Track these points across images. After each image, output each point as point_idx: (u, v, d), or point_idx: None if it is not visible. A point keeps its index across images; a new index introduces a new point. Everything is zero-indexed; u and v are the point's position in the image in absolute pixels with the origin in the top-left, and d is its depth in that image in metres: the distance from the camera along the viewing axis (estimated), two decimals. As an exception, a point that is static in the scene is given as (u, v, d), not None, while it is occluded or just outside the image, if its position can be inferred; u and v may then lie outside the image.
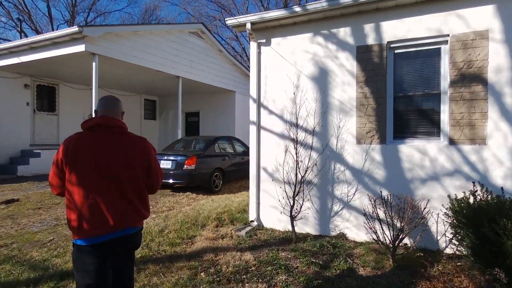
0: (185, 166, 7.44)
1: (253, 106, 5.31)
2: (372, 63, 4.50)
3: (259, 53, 5.29)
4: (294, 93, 4.94)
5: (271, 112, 5.20)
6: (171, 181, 7.54)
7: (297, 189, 4.50)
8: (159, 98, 15.93)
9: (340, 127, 4.69)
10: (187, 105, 14.65)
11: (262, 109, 5.28)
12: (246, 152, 9.59)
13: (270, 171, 5.20)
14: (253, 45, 5.32)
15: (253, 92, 5.31)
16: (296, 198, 4.51)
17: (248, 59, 23.23)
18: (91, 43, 7.62)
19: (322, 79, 4.82)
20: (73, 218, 1.85)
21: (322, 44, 4.83)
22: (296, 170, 4.49)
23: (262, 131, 5.29)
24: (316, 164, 4.63)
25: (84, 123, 1.99)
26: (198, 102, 14.80)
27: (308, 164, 4.64)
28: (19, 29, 15.99)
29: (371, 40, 4.52)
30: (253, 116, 5.32)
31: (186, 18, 26.82)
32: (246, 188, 8.56)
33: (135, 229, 2.02)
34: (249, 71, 15.03)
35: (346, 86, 4.66)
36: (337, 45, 4.73)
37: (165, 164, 7.62)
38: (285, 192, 4.70)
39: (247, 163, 9.45)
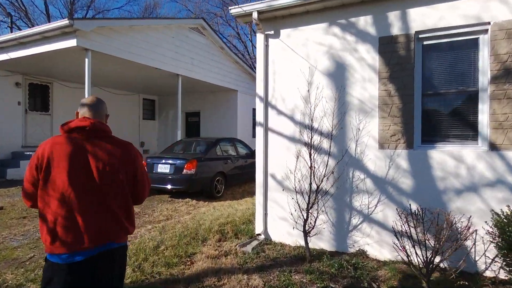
0: (184, 171, 6.88)
1: (259, 106, 4.75)
2: (397, 56, 3.93)
3: (266, 46, 4.72)
4: (308, 91, 4.38)
5: (280, 112, 4.64)
6: (169, 186, 6.99)
7: (311, 200, 3.94)
8: (159, 97, 15.38)
9: (360, 130, 4.12)
10: (187, 104, 14.10)
11: (270, 109, 4.72)
12: (249, 155, 9.04)
13: (279, 179, 4.64)
14: (259, 38, 4.76)
15: (259, 89, 4.75)
16: (311, 210, 3.94)
17: (251, 58, 22.69)
18: (83, 38, 7.06)
19: (339, 75, 4.25)
20: (45, 231, 1.64)
21: (339, 35, 4.26)
22: (311, 178, 3.92)
23: (270, 134, 4.72)
24: (333, 172, 4.06)
25: (64, 125, 1.76)
26: (199, 101, 14.24)
27: (323, 172, 4.07)
28: (10, 24, 15.41)
29: (396, 30, 3.95)
30: (259, 117, 4.76)
31: (187, 15, 26.26)
32: (250, 193, 8.00)
33: (119, 244, 1.78)
34: (252, 69, 14.50)
35: (367, 83, 4.09)
36: (357, 36, 4.16)
37: (163, 168, 7.07)
38: (297, 203, 4.14)
39: (250, 166, 8.94)
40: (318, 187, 3.88)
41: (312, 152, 3.95)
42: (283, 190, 4.54)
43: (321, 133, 4.24)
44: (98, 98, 1.95)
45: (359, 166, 4.13)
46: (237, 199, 7.35)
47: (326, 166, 4.06)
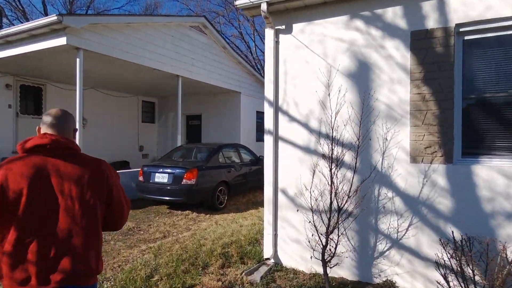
0: (184, 181, 6.29)
1: (269, 111, 4.16)
2: (434, 54, 3.32)
3: (276, 43, 4.13)
4: (325, 95, 3.78)
5: (292, 118, 4.04)
6: (167, 198, 6.40)
7: (332, 222, 3.33)
8: (158, 100, 14.80)
9: (387, 140, 3.52)
10: (188, 107, 13.51)
11: (280, 115, 4.13)
12: (253, 161, 8.44)
13: (291, 195, 4.04)
14: (269, 34, 4.17)
15: (269, 92, 4.15)
16: (331, 236, 3.33)
17: (254, 59, 22.12)
18: (74, 36, 6.49)
19: (362, 76, 3.65)
20: (1, 265, 1.40)
21: (362, 29, 3.66)
22: (331, 197, 3.31)
23: (280, 143, 4.13)
24: (357, 190, 3.45)
25: (23, 143, 1.51)
26: (200, 103, 13.66)
27: (345, 189, 3.46)
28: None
29: (432, 22, 3.35)
30: (268, 123, 4.16)
31: (188, 15, 25.71)
32: (255, 204, 7.41)
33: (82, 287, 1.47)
34: (256, 70, 13.90)
35: (396, 85, 3.49)
36: (384, 30, 3.56)
37: (161, 177, 6.48)
38: (314, 225, 3.53)
39: (255, 174, 8.38)
40: (340, 208, 3.27)
41: (332, 167, 3.34)
42: (297, 211, 3.94)
43: (341, 144, 3.64)
44: (63, 110, 1.70)
45: (387, 182, 3.53)
46: (241, 211, 6.75)
47: (351, 184, 3.43)
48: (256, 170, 8.37)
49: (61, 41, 6.41)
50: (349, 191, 3.31)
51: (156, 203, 7.15)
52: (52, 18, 6.01)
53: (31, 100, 10.08)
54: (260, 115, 14.52)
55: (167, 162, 7.08)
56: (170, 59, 9.09)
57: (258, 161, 8.68)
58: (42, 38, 6.61)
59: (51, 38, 6.52)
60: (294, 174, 4.02)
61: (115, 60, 7.69)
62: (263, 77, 14.31)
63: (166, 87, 11.56)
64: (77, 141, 6.60)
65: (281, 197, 4.12)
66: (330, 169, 3.33)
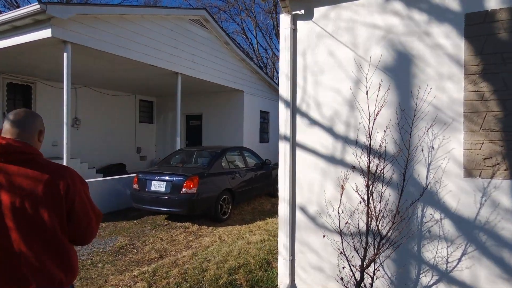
0: (183, 190, 5.62)
1: (284, 113, 3.49)
2: (496, 42, 2.65)
3: (294, 31, 3.45)
4: (357, 93, 3.11)
5: (313, 121, 3.37)
6: (164, 209, 5.73)
7: (368, 253, 2.66)
8: (157, 99, 14.13)
9: (434, 149, 2.85)
10: (188, 106, 12.84)
11: (298, 117, 3.45)
12: (259, 166, 7.77)
13: (311, 213, 3.37)
14: (284, 20, 3.49)
15: (284, 91, 3.48)
16: (367, 269, 2.67)
17: (256, 56, 21.42)
18: (60, 27, 5.81)
19: (401, 70, 2.98)
20: None
21: (402, 13, 2.99)
22: (368, 221, 2.64)
23: (298, 151, 3.46)
24: (398, 211, 2.77)
25: None
26: (201, 103, 12.98)
27: (381, 208, 2.79)
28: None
29: (493, 2, 2.67)
30: (284, 127, 3.49)
31: (188, 12, 24.97)
32: (262, 213, 6.74)
33: None
34: (260, 68, 13.22)
35: (446, 81, 2.82)
36: (429, 13, 2.89)
37: (158, 186, 5.81)
38: (345, 255, 2.86)
39: (260, 180, 7.66)
40: (381, 236, 2.59)
41: (369, 183, 2.67)
42: (323, 236, 3.26)
43: (376, 154, 2.96)
44: (28, 110, 1.52)
45: (433, 201, 2.86)
46: (247, 223, 6.08)
47: (398, 206, 2.76)
48: (261, 175, 7.71)
49: (45, 33, 5.73)
50: (394, 216, 2.63)
51: (153, 213, 6.49)
52: (35, 7, 5.33)
53: (19, 100, 9.42)
54: (263, 115, 13.85)
55: (165, 168, 6.40)
56: (168, 55, 8.42)
57: (264, 165, 8.01)
58: (25, 30, 5.94)
59: (34, 30, 5.84)
60: (315, 188, 3.35)
61: (107, 55, 7.02)
62: (267, 75, 13.64)
63: (164, 85, 10.90)
64: (64, 143, 5.95)
65: (299, 216, 3.45)
66: (367, 186, 2.66)
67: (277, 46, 22.06)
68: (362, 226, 3.00)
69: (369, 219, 2.62)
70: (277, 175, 8.62)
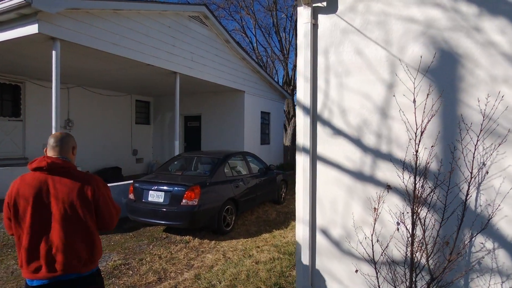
0: (183, 201, 5.14)
1: (303, 120, 3.03)
2: None
3: (314, 26, 2.99)
4: (390, 98, 2.65)
5: (337, 131, 2.91)
6: (163, 222, 5.26)
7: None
8: (154, 99, 13.61)
9: (485, 165, 2.40)
10: (186, 107, 12.35)
11: (319, 126, 3.00)
12: (263, 172, 7.31)
13: (335, 237, 2.92)
14: (303, 14, 3.02)
15: (303, 95, 3.02)
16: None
17: (256, 56, 20.92)
18: (48, 23, 5.31)
19: (443, 71, 2.53)
20: (18, 257, 1.90)
21: (445, 5, 2.54)
22: (413, 254, 2.19)
23: (319, 165, 3.00)
24: (448, 242, 2.32)
25: (30, 164, 1.95)
26: (200, 103, 12.49)
27: (428, 238, 2.34)
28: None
29: (562, -9, 2.23)
30: (302, 137, 3.03)
31: (185, 10, 24.32)
32: (267, 223, 6.30)
33: (74, 275, 1.89)
34: (261, 67, 12.75)
35: (501, 85, 2.37)
36: (479, 5, 2.44)
37: (155, 196, 5.33)
38: (380, 292, 2.41)
39: (264, 186, 7.09)
40: (432, 276, 2.14)
41: (415, 207, 2.21)
42: (355, 271, 2.80)
43: (412, 169, 2.51)
44: (63, 133, 2.07)
45: (489, 230, 2.41)
46: (252, 236, 5.62)
47: (457, 237, 2.30)
48: (265, 181, 7.26)
49: (32, 29, 5.22)
50: (451, 251, 2.18)
51: (150, 224, 6.00)
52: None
53: (8, 100, 8.86)
54: (264, 116, 13.40)
55: (163, 176, 5.91)
56: (166, 53, 7.92)
57: (268, 170, 7.55)
58: (9, 26, 5.41)
59: (19, 25, 5.33)
60: (339, 207, 2.90)
61: (101, 53, 6.52)
62: (268, 74, 13.16)
63: (162, 85, 10.40)
64: None
65: (320, 240, 3.00)
66: (413, 212, 2.20)
67: (277, 44, 21.61)
68: (399, 255, 2.55)
69: (414, 253, 2.17)
70: (281, 180, 8.19)
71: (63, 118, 10.14)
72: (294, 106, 21.20)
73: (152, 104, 13.64)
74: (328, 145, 2.95)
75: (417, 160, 2.26)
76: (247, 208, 6.61)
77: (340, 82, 2.89)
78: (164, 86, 10.59)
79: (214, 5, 19.76)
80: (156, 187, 5.38)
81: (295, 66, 20.86)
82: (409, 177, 2.37)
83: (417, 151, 2.28)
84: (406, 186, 2.52)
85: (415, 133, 2.30)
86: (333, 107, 2.93)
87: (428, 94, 2.51)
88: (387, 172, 2.67)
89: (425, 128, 2.31)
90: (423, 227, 2.18)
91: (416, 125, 2.33)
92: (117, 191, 6.64)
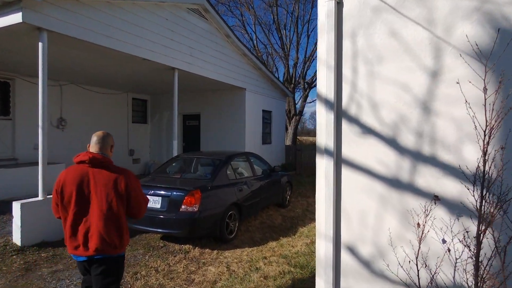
0: (183, 207, 4.67)
1: (325, 117, 2.56)
2: None
3: (338, 4, 2.52)
4: (484, 89, 2.18)
5: (367, 129, 2.45)
6: (160, 230, 4.78)
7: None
8: (151, 97, 13.11)
9: (558, 171, 1.93)
10: (185, 105, 11.86)
11: (345, 123, 2.53)
12: (266, 174, 6.85)
13: (364, 256, 2.45)
14: (324, -10, 2.54)
15: (325, 86, 2.55)
16: None
17: (256, 53, 20.43)
18: (33, 11, 4.82)
19: (501, 55, 2.06)
20: (65, 238, 2.29)
21: (506, -26, 2.07)
22: (479, 284, 1.73)
23: (345, 169, 2.53)
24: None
25: (75, 158, 2.32)
26: (199, 101, 12.00)
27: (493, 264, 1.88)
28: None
29: None
30: (324, 137, 2.56)
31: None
32: (272, 229, 5.84)
33: (105, 256, 2.22)
34: (264, 64, 12.27)
35: None
36: (551, -28, 1.97)
37: (152, 202, 4.85)
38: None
39: (268, 189, 6.51)
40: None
41: (482, 228, 1.74)
42: (379, 285, 2.33)
43: (468, 175, 2.04)
44: (104, 133, 2.42)
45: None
46: (257, 245, 5.15)
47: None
48: (270, 183, 6.79)
49: (15, 18, 4.73)
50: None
51: (146, 231, 5.52)
52: (-1, -16, 4.32)
53: (-5, 98, 8.36)
54: (266, 115, 12.93)
55: (160, 179, 5.42)
56: (164, 47, 7.43)
57: (272, 172, 7.08)
58: (-10, 15, 4.92)
59: (2, 14, 4.83)
60: (369, 221, 2.43)
61: (93, 46, 6.03)
62: (270, 71, 12.68)
63: (160, 81, 9.91)
64: (40, 148, 5.08)
65: (346, 258, 2.53)
66: (479, 232, 1.73)
67: (277, 41, 21.11)
68: (451, 282, 2.09)
69: (480, 281, 1.70)
70: (286, 182, 7.72)
71: (56, 117, 9.64)
72: (295, 104, 20.74)
73: (150, 103, 13.14)
74: (355, 146, 2.49)
75: (485, 165, 1.79)
76: (252, 214, 6.14)
77: (371, 71, 2.43)
78: (162, 83, 10.11)
79: (214, 0, 19.26)
80: (152, 191, 4.89)
81: (296, 63, 20.40)
82: (481, 190, 1.90)
83: (485, 153, 1.80)
84: (472, 200, 2.05)
85: (484, 132, 1.82)
86: (361, 100, 2.46)
87: (494, 84, 2.04)
88: (430, 179, 2.20)
89: (495, 126, 1.83)
90: (497, 249, 1.71)
91: (486, 121, 1.84)
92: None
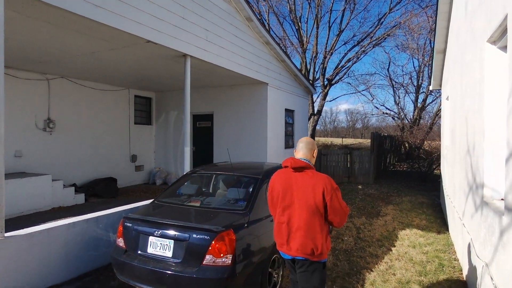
0: (207, 257, 2.97)
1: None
2: None
3: None
4: None
5: None
6: (172, 295, 3.08)
7: None
8: (156, 94, 11.45)
9: None
10: (195, 103, 10.18)
11: None
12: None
13: None
14: None
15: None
16: None
17: (280, 40, 18.68)
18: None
19: None
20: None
21: None
22: None
23: None
24: None
25: (283, 162, 2.57)
26: (212, 99, 10.32)
27: None
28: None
29: None
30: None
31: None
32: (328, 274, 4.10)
33: (305, 259, 2.37)
34: (286, 55, 10.50)
35: None
36: None
37: (159, 246, 3.17)
38: None
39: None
40: None
41: None
42: None
43: None
44: (308, 139, 2.64)
45: None
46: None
47: None
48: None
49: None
50: None
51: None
52: None
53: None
54: (289, 114, 11.19)
55: (170, 210, 3.70)
56: (173, 27, 5.76)
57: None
58: None
59: None
60: None
61: (78, 20, 4.37)
62: (294, 64, 10.94)
63: (167, 74, 8.25)
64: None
65: None
66: None
67: (295, 33, 19.32)
68: None
69: None
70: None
71: (42, 118, 8.00)
72: (312, 103, 18.97)
73: (154, 100, 11.47)
74: None
75: None
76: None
77: None
78: (169, 77, 8.45)
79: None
80: (160, 231, 3.19)
81: (315, 57, 18.60)
82: None
83: None
84: None
85: None
86: None
87: None
88: None
89: None
90: None
91: None
92: (103, 224, 4.49)
